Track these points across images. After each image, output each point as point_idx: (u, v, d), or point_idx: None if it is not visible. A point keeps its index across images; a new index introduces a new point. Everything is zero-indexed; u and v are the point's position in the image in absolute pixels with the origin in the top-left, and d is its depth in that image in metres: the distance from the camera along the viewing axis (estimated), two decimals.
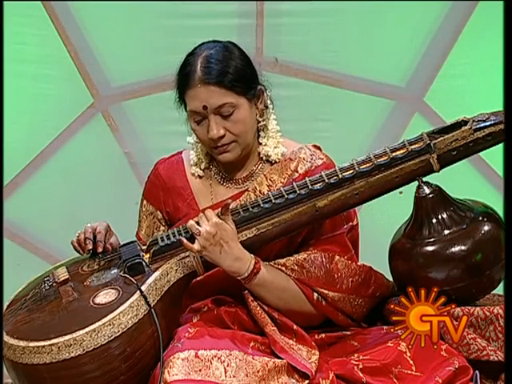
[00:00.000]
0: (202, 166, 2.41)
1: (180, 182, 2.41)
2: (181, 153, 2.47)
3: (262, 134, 2.37)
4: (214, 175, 2.41)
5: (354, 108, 3.46)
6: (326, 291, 2.27)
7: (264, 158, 2.37)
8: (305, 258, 2.27)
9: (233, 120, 2.26)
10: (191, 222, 2.19)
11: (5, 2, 2.62)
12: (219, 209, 2.22)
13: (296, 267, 2.27)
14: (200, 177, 2.41)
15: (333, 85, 3.44)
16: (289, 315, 2.26)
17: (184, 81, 2.28)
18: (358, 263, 2.34)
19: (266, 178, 2.36)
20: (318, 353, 2.19)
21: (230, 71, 2.25)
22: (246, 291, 2.25)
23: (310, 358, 2.16)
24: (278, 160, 2.36)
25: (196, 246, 2.17)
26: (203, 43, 2.33)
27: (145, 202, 2.47)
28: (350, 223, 2.37)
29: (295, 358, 2.13)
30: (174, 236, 2.24)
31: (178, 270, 2.21)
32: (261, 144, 2.37)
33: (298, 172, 2.33)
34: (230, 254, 2.18)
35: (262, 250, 2.26)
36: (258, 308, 2.24)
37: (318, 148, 2.42)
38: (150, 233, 2.45)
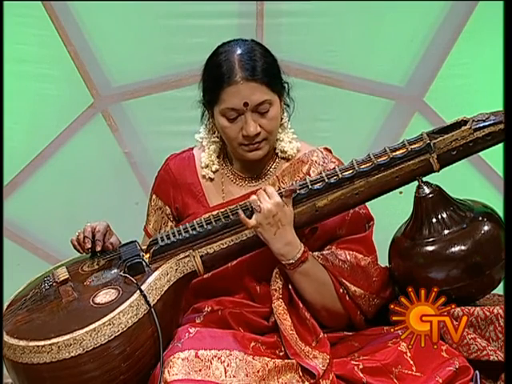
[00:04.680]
0: (213, 169, 2.40)
1: (191, 179, 2.41)
2: (192, 149, 2.46)
3: (279, 130, 2.36)
4: (226, 173, 2.40)
5: (354, 108, 3.46)
6: (349, 284, 2.27)
7: (280, 153, 2.38)
8: (328, 253, 2.28)
9: (268, 117, 2.27)
10: (254, 197, 2.19)
11: (5, 2, 2.62)
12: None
13: (321, 256, 2.27)
14: (211, 178, 2.41)
15: (333, 85, 3.43)
16: (320, 312, 2.26)
17: (221, 78, 2.24)
18: (382, 265, 2.34)
19: (278, 180, 2.36)
20: (328, 359, 2.17)
21: (268, 68, 2.26)
22: (274, 288, 2.25)
23: (323, 366, 2.14)
24: (293, 155, 2.37)
25: (253, 221, 2.17)
26: (229, 42, 2.31)
27: (154, 196, 2.46)
28: (372, 222, 2.37)
29: (307, 363, 2.13)
30: (174, 236, 2.23)
31: (178, 269, 2.21)
32: (277, 140, 2.37)
33: (309, 175, 2.33)
34: (284, 237, 2.18)
35: None
36: (281, 308, 2.23)
37: (329, 151, 2.42)
38: (157, 227, 2.45)
